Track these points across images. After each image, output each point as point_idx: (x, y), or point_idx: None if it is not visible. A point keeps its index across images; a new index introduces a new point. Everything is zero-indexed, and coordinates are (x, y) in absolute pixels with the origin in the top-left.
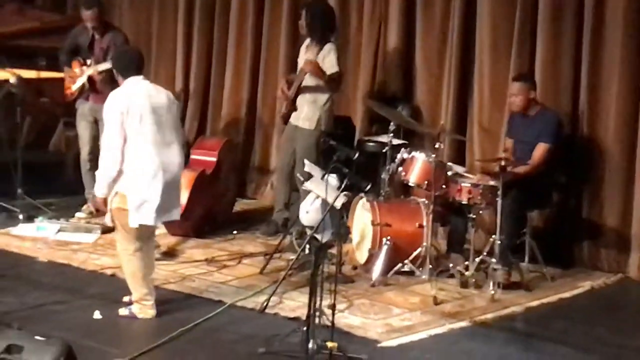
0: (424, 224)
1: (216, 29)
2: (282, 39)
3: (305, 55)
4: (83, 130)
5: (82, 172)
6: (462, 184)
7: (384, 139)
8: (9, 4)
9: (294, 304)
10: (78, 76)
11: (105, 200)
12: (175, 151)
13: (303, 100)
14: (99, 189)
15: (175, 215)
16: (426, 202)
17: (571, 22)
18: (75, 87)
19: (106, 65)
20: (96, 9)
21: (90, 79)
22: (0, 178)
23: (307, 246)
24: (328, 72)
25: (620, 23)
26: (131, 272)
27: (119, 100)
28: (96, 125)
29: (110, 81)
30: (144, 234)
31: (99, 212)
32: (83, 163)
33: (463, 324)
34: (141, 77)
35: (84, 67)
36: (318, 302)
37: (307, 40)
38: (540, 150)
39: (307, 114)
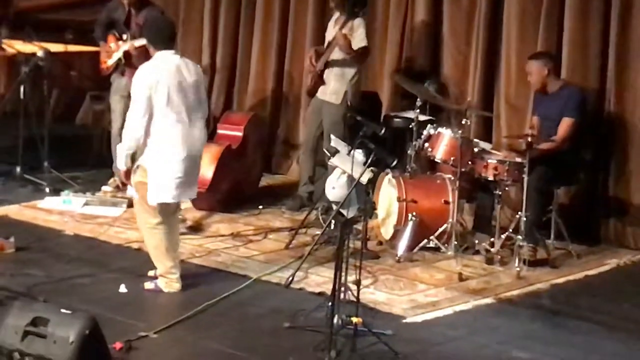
0: (450, 200)
1: (243, 2)
2: (310, 13)
3: (333, 29)
4: (116, 104)
5: (112, 145)
6: (489, 161)
7: (410, 114)
8: None
9: (319, 279)
10: (114, 51)
11: (127, 173)
12: (199, 128)
13: (330, 75)
14: (120, 161)
15: (193, 193)
16: (452, 178)
17: None
18: (111, 62)
19: (142, 41)
20: None
21: (126, 54)
22: (27, 151)
23: (333, 221)
24: (356, 47)
25: None
26: (154, 245)
27: (147, 74)
28: (129, 100)
29: (146, 57)
30: (166, 210)
31: (126, 185)
32: (114, 137)
33: (488, 300)
34: (172, 51)
35: (120, 42)
36: (343, 278)
37: (336, 15)
38: (565, 124)
39: (335, 88)
